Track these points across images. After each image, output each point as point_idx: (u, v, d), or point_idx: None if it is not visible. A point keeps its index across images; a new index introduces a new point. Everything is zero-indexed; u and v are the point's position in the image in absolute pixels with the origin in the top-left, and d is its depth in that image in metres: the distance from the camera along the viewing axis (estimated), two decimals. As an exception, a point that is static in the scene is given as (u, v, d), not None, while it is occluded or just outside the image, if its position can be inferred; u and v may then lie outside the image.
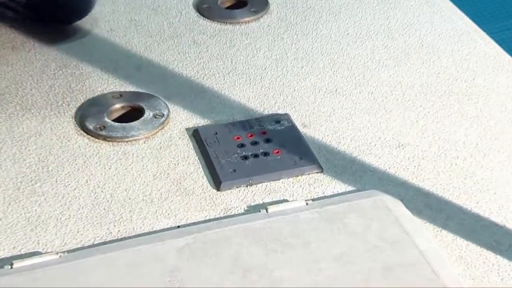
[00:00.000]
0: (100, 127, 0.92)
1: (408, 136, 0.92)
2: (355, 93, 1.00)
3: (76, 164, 0.86)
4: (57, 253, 0.74)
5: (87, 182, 0.84)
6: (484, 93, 0.99)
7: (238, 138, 0.89)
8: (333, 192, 0.83)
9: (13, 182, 0.84)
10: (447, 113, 0.96)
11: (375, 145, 0.90)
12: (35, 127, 0.92)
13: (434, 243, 0.76)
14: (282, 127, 0.92)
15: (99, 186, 0.83)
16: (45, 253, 0.74)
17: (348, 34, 1.12)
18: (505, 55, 1.07)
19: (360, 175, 0.85)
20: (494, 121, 0.94)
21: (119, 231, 0.78)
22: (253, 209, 0.81)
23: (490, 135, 0.92)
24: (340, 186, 0.84)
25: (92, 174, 0.85)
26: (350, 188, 0.83)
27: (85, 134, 0.91)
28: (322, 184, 0.84)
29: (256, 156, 0.87)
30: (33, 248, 0.75)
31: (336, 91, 1.00)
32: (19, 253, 0.75)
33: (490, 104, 0.97)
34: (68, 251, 0.74)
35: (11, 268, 0.71)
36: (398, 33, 1.12)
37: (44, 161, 0.87)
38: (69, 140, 0.91)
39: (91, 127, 0.92)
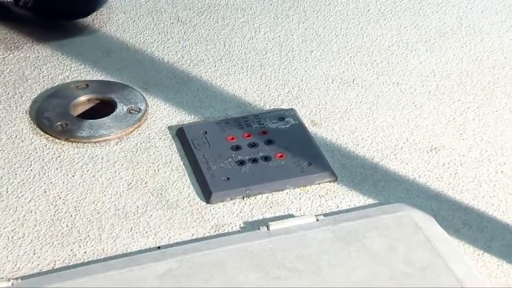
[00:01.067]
0: (61, 125, 0.93)
1: (443, 138, 0.93)
2: (377, 83, 1.02)
3: (31, 170, 0.88)
4: (9, 280, 0.75)
5: (45, 192, 0.85)
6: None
7: (233, 138, 0.91)
8: (349, 205, 0.85)
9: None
10: (492, 109, 0.98)
11: (401, 148, 0.92)
12: (-20, 124, 0.94)
13: (474, 269, 0.77)
14: (287, 126, 0.94)
15: (60, 198, 0.85)
16: (-4, 280, 0.76)
17: (369, 10, 1.15)
18: None
19: (383, 185, 0.87)
20: None
21: (85, 252, 0.79)
22: (251, 226, 0.82)
23: None
24: (358, 199, 0.85)
25: (51, 183, 0.86)
26: (370, 201, 0.85)
27: (42, 133, 0.93)
28: (336, 196, 0.86)
29: (254, 161, 0.89)
30: (-19, 274, 0.77)
31: (353, 81, 1.02)
32: (-38, 280, 0.76)
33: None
34: (22, 278, 0.75)
35: (-46, 298, 0.73)
36: (430, 10, 1.15)
37: (-8, 166, 0.88)
38: (22, 141, 0.92)
39: (50, 124, 0.93)
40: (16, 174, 0.88)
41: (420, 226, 0.81)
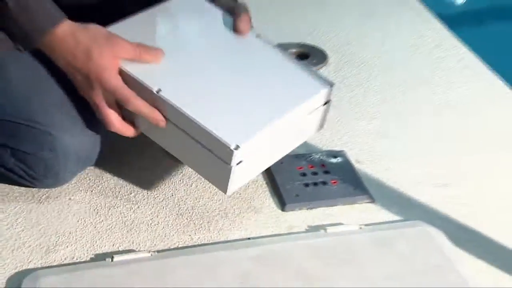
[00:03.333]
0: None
1: (452, 177, 0.93)
2: (403, 137, 1.01)
3: (163, 181, 0.90)
4: (149, 252, 0.77)
5: (172, 195, 0.87)
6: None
7: (301, 168, 0.92)
8: (382, 220, 0.85)
9: (112, 191, 0.88)
10: (488, 160, 0.96)
11: (421, 182, 0.92)
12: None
13: (473, 270, 0.77)
14: (339, 161, 0.94)
15: (182, 200, 0.87)
16: (139, 251, 0.78)
17: (397, 87, 1.14)
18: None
19: (407, 207, 0.87)
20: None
21: (198, 238, 0.81)
22: (313, 229, 0.83)
23: None
24: (388, 216, 0.86)
25: (176, 189, 0.89)
26: (397, 217, 0.85)
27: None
28: (372, 212, 0.86)
29: (315, 184, 0.90)
30: (128, 246, 0.79)
31: (386, 134, 1.02)
32: (117, 249, 0.79)
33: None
34: (158, 251, 0.78)
35: (112, 261, 0.76)
36: (439, 89, 1.14)
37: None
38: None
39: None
40: (153, 183, 0.89)
41: (433, 237, 0.81)
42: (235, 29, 0.84)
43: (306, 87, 0.80)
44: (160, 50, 0.78)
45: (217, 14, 0.86)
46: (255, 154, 0.75)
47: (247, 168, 0.76)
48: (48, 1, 0.76)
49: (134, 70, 0.75)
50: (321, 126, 0.86)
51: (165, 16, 0.85)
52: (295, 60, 0.84)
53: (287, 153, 0.84)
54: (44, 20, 0.75)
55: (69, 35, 0.75)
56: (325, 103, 0.83)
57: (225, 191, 0.76)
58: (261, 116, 0.75)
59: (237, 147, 0.71)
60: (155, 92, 0.74)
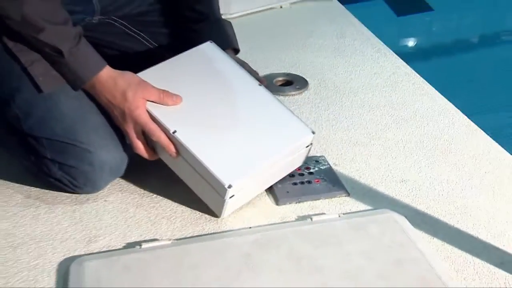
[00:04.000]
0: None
1: (408, 174, 0.94)
2: (370, 144, 1.02)
3: (178, 185, 0.86)
4: (169, 240, 0.78)
5: (186, 196, 0.85)
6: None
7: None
8: (357, 209, 0.85)
9: (138, 193, 0.88)
10: (434, 161, 0.98)
11: (385, 179, 0.93)
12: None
13: (429, 245, 0.78)
14: (320, 164, 0.95)
15: (195, 199, 0.85)
16: (161, 239, 0.79)
17: (363, 105, 1.15)
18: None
19: (376, 199, 0.88)
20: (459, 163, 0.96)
21: (209, 228, 0.81)
22: (302, 218, 0.83)
23: (465, 175, 0.94)
24: (362, 206, 0.86)
25: (190, 191, 0.85)
26: (368, 207, 0.86)
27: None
28: (349, 204, 0.87)
29: (302, 183, 0.90)
30: (153, 236, 0.80)
31: (356, 142, 1.03)
32: (144, 239, 0.79)
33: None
34: (176, 239, 0.78)
35: (140, 248, 0.77)
36: (397, 105, 1.15)
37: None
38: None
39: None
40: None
41: (397, 221, 0.82)
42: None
43: (292, 134, 0.82)
44: (179, 96, 0.81)
45: (229, 64, 0.88)
46: (245, 189, 0.78)
47: (238, 199, 0.80)
48: (93, 52, 0.80)
49: (157, 111, 0.79)
50: (303, 162, 0.88)
51: (185, 64, 0.87)
52: (287, 110, 0.85)
53: (272, 183, 0.86)
54: (90, 67, 0.79)
55: (110, 79, 0.79)
56: (307, 146, 0.84)
57: (219, 216, 0.80)
58: (253, 158, 0.78)
59: (230, 186, 0.73)
60: (171, 133, 0.78)
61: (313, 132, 0.83)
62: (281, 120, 0.84)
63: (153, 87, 0.80)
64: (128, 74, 0.81)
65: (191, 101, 0.83)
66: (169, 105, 0.81)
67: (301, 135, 0.83)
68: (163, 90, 0.81)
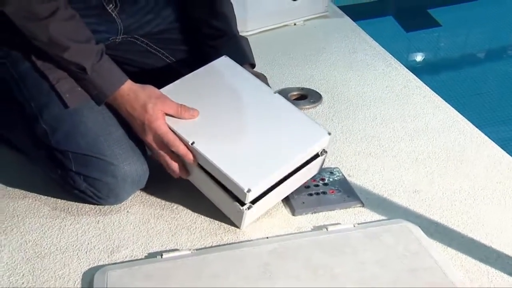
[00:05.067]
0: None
1: (421, 185, 0.93)
2: (383, 156, 1.02)
3: (198, 197, 0.87)
4: (190, 250, 0.79)
5: (205, 207, 0.86)
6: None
7: (305, 182, 0.91)
8: (371, 219, 0.85)
9: (159, 205, 0.89)
10: (446, 171, 0.97)
11: (398, 190, 0.92)
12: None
13: (443, 254, 0.78)
14: (335, 176, 0.95)
15: (213, 210, 0.86)
16: (182, 249, 0.79)
17: (376, 118, 1.15)
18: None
19: (390, 209, 0.87)
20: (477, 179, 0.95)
21: (228, 238, 0.82)
22: (318, 228, 0.83)
23: (477, 186, 0.93)
24: (376, 216, 0.86)
25: (209, 203, 0.87)
26: (383, 217, 0.86)
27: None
28: (363, 214, 0.86)
29: (317, 194, 0.90)
30: (173, 246, 0.80)
31: (370, 154, 1.02)
32: (165, 249, 0.80)
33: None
34: (196, 249, 0.79)
35: (161, 258, 0.77)
36: (409, 118, 1.14)
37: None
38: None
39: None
40: (187, 197, 0.89)
41: (411, 231, 0.81)
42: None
43: (309, 136, 0.82)
44: (196, 110, 0.82)
45: (244, 75, 0.89)
46: (262, 198, 0.78)
47: (256, 211, 0.80)
48: (115, 67, 0.82)
49: (176, 125, 0.80)
50: (318, 172, 0.87)
51: (202, 78, 0.89)
52: (302, 114, 0.85)
53: (289, 193, 0.86)
54: (113, 81, 0.81)
55: (131, 92, 0.80)
56: (322, 153, 0.84)
57: (239, 227, 0.80)
58: (271, 162, 0.78)
59: (249, 190, 0.73)
60: (190, 144, 0.78)
61: (329, 133, 0.83)
62: (297, 124, 0.84)
63: (172, 101, 0.81)
64: (149, 88, 0.82)
65: (209, 113, 0.83)
66: (186, 118, 0.82)
67: (318, 137, 0.82)
68: (181, 105, 0.82)
